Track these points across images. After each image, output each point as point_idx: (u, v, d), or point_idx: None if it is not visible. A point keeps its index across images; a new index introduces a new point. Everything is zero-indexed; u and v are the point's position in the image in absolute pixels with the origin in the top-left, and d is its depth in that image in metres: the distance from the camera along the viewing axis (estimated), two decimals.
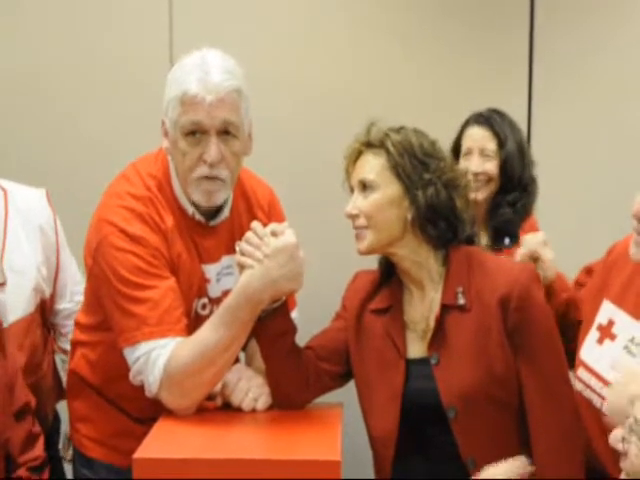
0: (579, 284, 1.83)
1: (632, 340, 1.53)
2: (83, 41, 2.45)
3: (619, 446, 1.15)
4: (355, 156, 1.50)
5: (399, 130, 1.49)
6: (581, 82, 2.57)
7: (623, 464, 1.15)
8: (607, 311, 1.59)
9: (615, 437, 1.19)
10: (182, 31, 2.47)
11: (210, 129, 1.46)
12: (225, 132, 1.49)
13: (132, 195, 1.52)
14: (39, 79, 2.44)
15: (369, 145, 1.48)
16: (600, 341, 1.60)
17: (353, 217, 1.48)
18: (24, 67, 2.44)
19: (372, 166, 1.46)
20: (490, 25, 2.51)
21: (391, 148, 1.46)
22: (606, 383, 1.52)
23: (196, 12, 2.47)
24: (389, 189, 1.44)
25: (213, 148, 1.47)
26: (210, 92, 1.44)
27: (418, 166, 1.46)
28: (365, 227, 1.45)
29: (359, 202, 1.46)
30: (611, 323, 1.58)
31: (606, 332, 1.59)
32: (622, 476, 1.17)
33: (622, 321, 1.56)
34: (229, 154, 1.50)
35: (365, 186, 1.46)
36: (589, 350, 1.60)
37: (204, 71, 1.46)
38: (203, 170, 1.49)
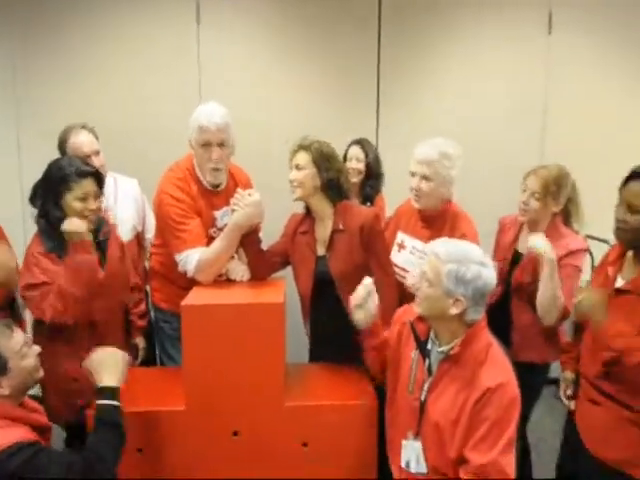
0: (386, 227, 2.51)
1: (413, 247, 2.31)
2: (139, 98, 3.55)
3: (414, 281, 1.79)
4: (295, 151, 2.19)
5: (318, 142, 2.19)
6: (413, 121, 3.70)
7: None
8: (400, 236, 2.36)
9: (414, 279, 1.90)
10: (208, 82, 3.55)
11: (214, 143, 2.25)
12: (221, 144, 2.25)
13: (176, 177, 2.28)
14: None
15: (303, 147, 2.19)
16: (399, 250, 2.38)
17: (292, 182, 2.16)
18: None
19: (303, 157, 2.17)
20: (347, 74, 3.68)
21: (313, 150, 2.18)
22: (404, 270, 2.26)
23: (217, 74, 3.57)
24: (309, 170, 2.17)
25: (215, 153, 2.25)
26: (214, 125, 2.21)
27: (324, 160, 2.17)
28: (298, 186, 2.16)
29: (297, 174, 2.16)
30: (403, 241, 2.34)
31: (401, 246, 2.35)
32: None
33: (407, 240, 2.33)
34: (224, 155, 2.27)
35: (299, 167, 2.15)
36: (394, 256, 2.35)
37: (210, 114, 2.22)
38: (212, 164, 2.26)
